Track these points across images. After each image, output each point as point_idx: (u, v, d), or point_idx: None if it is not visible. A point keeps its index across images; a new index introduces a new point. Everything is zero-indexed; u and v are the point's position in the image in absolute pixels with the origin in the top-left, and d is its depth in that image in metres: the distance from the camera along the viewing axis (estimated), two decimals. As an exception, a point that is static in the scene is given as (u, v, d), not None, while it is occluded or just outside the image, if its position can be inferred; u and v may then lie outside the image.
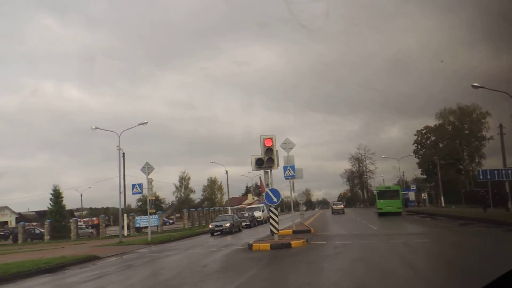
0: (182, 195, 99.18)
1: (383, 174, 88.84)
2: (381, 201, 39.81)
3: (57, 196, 38.91)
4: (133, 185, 25.49)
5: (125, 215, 36.67)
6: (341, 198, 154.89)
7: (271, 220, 16.86)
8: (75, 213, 72.31)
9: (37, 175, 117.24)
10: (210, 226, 30.49)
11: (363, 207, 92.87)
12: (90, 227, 41.91)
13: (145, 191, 24.97)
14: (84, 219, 60.65)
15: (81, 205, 77.99)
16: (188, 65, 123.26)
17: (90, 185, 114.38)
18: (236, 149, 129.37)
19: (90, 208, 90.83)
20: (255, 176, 76.19)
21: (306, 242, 15.91)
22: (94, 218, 57.76)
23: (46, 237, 35.81)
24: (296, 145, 22.90)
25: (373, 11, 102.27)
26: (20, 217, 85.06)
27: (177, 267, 12.49)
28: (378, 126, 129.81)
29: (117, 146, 26.97)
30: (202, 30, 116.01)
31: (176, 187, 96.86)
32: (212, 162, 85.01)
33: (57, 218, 37.27)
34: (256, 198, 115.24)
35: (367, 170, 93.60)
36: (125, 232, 34.85)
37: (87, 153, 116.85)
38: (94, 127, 29.23)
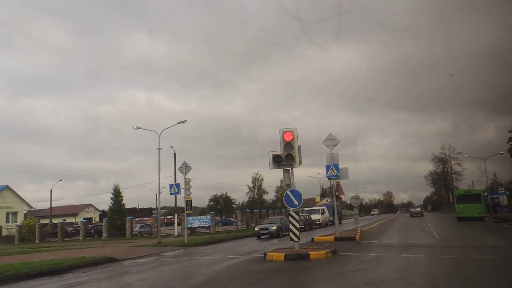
0: (255, 196, 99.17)
1: (469, 176, 79.28)
2: (460, 205, 36.67)
3: (117, 195, 40.11)
4: (171, 185, 24.72)
5: (175, 215, 36.47)
6: (426, 201, 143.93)
7: (290, 226, 14.56)
8: (153, 211, 76.25)
9: (132, 176, 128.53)
10: (256, 229, 28.76)
11: (446, 212, 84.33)
12: (148, 226, 42.69)
13: (182, 191, 23.90)
14: (144, 218, 63.79)
15: (156, 204, 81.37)
16: (266, 71, 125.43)
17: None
18: (313, 151, 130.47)
19: (166, 207, 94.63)
20: (323, 177, 73.00)
21: (330, 254, 13.36)
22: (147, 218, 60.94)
23: (104, 235, 37.03)
24: (359, 144, 20.54)
25: (459, 2, 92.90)
26: (103, 214, 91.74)
27: (155, 281, 10.84)
28: (468, 124, 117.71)
29: (158, 147, 26.38)
30: (278, 35, 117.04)
31: (249, 188, 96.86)
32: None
33: (116, 216, 38.38)
34: (329, 200, 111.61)
35: (453, 171, 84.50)
36: (176, 232, 34.56)
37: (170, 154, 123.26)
38: (135, 126, 28.93)
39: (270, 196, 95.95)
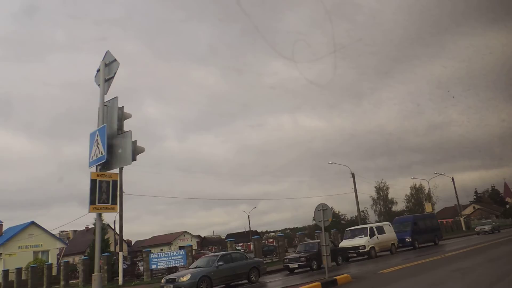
0: (381, 208, 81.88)
1: None
2: None
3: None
4: None
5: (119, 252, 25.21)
6: None
7: None
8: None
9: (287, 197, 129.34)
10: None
11: None
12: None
13: None
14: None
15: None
16: (410, 72, 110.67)
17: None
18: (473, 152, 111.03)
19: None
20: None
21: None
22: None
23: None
24: None
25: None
26: (203, 241, 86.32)
27: None
28: None
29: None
30: (422, 31, 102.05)
31: (373, 200, 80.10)
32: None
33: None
34: (477, 207, 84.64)
35: None
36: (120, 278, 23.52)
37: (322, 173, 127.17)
38: (330, 162, 34.83)
39: (400, 207, 77.03)
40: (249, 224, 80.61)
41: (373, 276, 13.68)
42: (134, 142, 8.15)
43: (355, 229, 26.52)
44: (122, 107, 8.59)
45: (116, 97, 8.54)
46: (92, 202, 7.61)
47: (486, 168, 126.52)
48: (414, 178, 64.23)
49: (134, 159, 8.08)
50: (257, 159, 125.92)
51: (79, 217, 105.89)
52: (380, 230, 25.73)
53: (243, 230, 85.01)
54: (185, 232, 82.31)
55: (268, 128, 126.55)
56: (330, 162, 38.32)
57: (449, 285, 10.18)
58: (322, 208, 12.98)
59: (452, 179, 55.89)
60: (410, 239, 28.23)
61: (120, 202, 25.32)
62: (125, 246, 78.33)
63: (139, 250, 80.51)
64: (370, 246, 24.06)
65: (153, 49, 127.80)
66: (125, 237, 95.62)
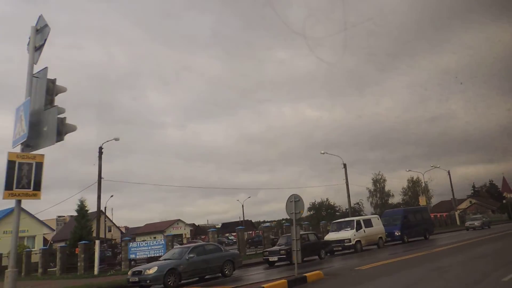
0: (378, 201, 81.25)
1: None
2: None
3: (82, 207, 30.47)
4: None
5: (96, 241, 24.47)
6: None
7: None
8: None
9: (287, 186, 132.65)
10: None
11: None
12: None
13: None
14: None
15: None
16: (414, 63, 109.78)
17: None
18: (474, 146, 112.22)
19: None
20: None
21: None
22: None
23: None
24: None
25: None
26: (197, 229, 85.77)
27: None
28: None
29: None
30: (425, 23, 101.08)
31: (370, 192, 79.47)
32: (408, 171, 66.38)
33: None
34: (474, 202, 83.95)
35: None
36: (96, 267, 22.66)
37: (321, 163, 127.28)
38: (323, 152, 35.38)
39: (396, 199, 76.44)
40: (243, 213, 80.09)
41: (348, 273, 12.76)
42: (62, 119, 7.11)
43: (341, 221, 25.58)
44: (55, 79, 7.53)
45: (46, 67, 7.46)
46: (8, 187, 6.59)
47: (486, 162, 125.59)
48: (409, 170, 63.29)
49: (60, 139, 7.02)
50: (258, 148, 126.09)
51: (62, 200, 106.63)
52: (368, 223, 24.82)
53: (238, 220, 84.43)
54: (179, 220, 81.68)
55: (270, 116, 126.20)
56: (322, 152, 37.57)
57: (423, 286, 9.26)
58: (294, 200, 12.01)
59: (448, 172, 55.01)
60: (399, 233, 27.39)
61: (98, 188, 24.41)
62: (118, 233, 78.09)
63: (132, 237, 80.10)
64: (356, 239, 23.15)
65: (154, 35, 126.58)
66: (123, 224, 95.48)
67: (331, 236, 24.18)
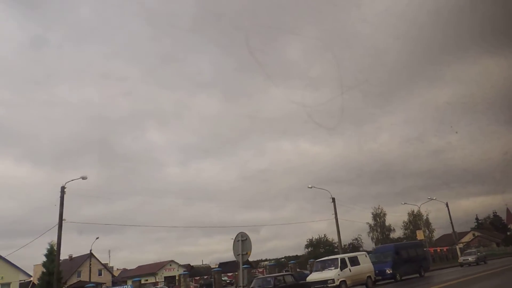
0: (379, 236, 79.11)
1: None
2: None
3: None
4: None
5: None
6: None
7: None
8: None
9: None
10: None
11: None
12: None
13: None
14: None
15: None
16: (409, 98, 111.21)
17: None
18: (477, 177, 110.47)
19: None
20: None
21: None
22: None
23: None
24: None
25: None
26: (192, 270, 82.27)
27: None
28: None
29: None
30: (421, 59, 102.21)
31: (370, 226, 77.34)
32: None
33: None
34: (477, 234, 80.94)
35: None
36: None
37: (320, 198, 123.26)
38: (310, 186, 35.23)
39: (398, 234, 74.08)
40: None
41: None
42: None
43: (325, 260, 23.38)
44: None
45: None
46: None
47: (489, 193, 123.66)
48: (404, 203, 61.25)
49: None
50: (258, 185, 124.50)
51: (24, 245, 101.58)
52: (354, 261, 22.70)
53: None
54: (172, 261, 78.55)
55: (269, 154, 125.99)
56: (309, 186, 35.82)
57: None
58: (241, 238, 10.28)
59: (446, 204, 52.90)
60: (391, 271, 25.20)
61: (59, 230, 22.58)
62: (108, 276, 74.78)
63: (123, 280, 76.66)
64: (341, 279, 20.94)
65: (156, 77, 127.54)
66: (121, 266, 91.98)
67: (313, 276, 22.03)
